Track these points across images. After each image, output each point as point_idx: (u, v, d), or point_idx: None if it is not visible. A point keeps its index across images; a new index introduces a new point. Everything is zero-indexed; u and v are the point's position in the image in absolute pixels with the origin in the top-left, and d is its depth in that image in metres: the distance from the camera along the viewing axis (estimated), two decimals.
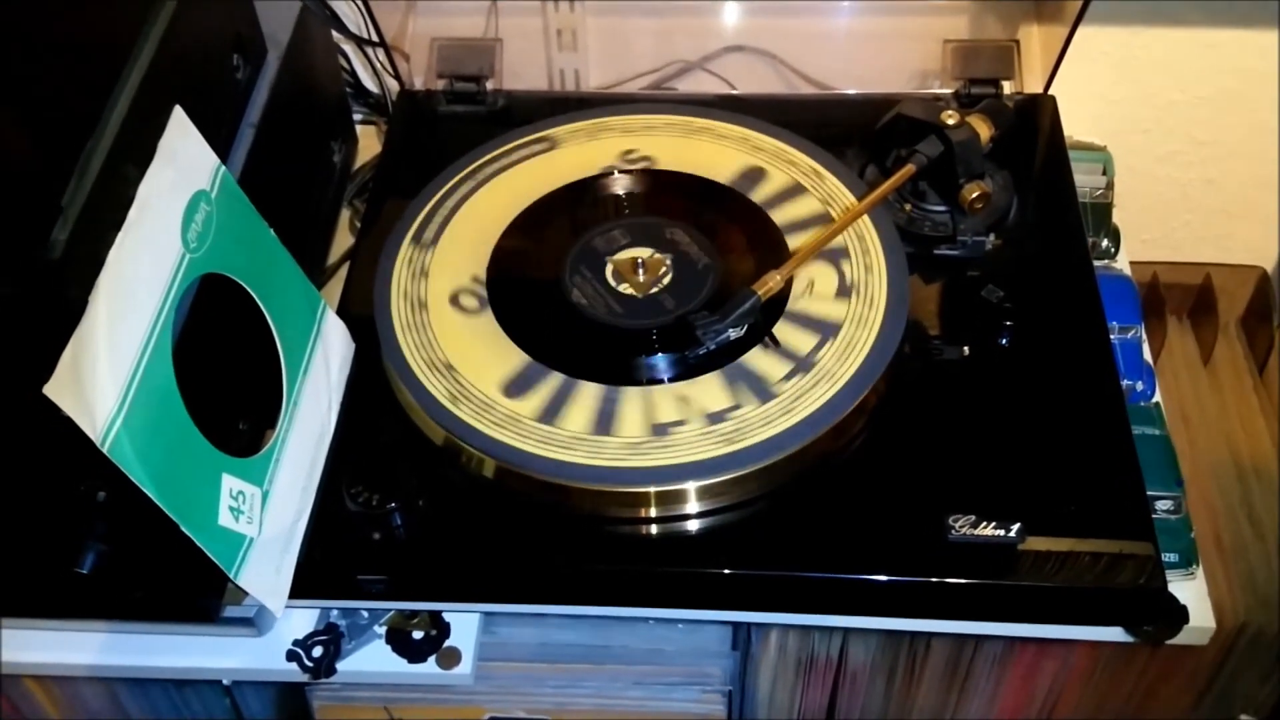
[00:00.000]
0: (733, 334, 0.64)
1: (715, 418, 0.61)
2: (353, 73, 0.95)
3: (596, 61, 0.88)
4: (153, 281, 0.52)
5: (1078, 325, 0.68)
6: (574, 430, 0.61)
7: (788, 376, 0.62)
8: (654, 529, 0.61)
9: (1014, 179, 0.74)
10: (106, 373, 0.48)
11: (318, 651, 0.68)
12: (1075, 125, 0.83)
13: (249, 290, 0.59)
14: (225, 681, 0.74)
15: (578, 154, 0.76)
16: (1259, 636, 0.76)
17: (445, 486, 0.62)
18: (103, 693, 0.76)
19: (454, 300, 0.68)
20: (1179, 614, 0.60)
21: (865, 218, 0.70)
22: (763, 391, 0.62)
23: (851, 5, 0.83)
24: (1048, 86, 0.81)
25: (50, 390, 0.46)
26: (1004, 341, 0.66)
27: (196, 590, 0.64)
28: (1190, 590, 0.66)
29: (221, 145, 0.69)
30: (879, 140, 0.75)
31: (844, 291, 0.66)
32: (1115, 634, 0.64)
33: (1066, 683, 0.78)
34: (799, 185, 0.73)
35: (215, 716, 0.79)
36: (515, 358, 0.65)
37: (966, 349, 0.66)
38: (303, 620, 0.69)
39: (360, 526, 0.60)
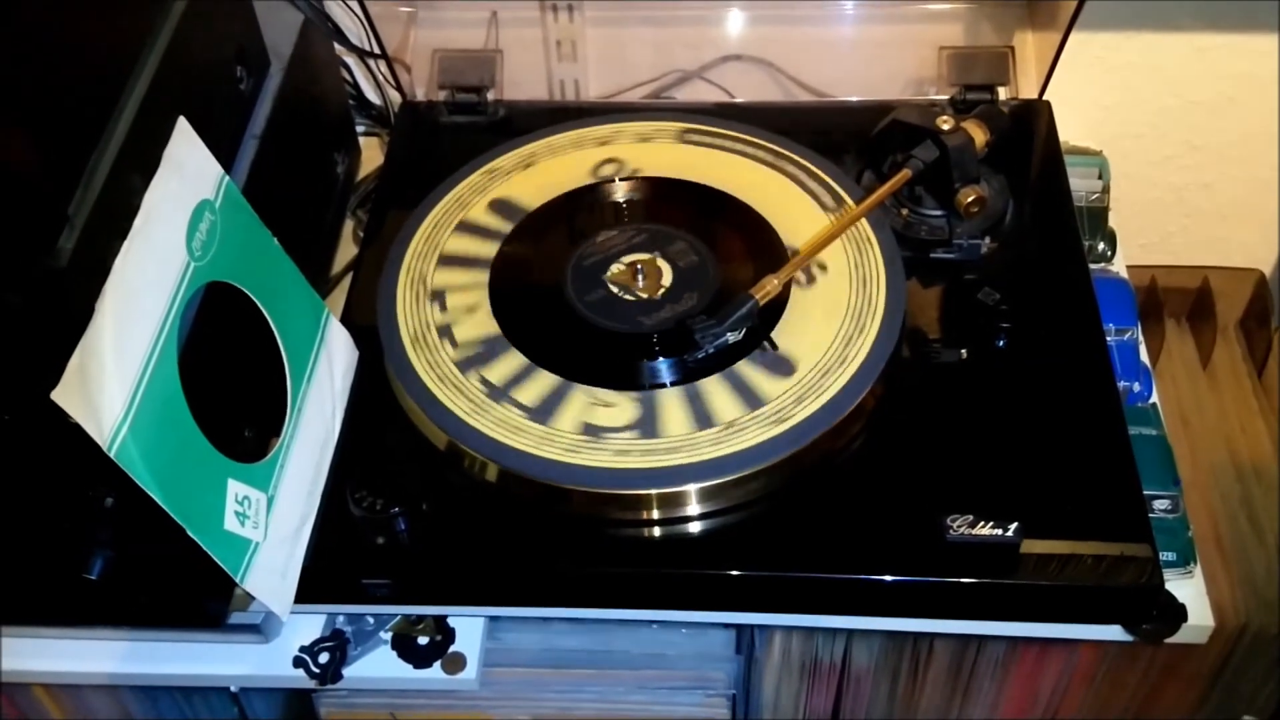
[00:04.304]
0: (730, 338, 0.64)
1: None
2: (355, 84, 0.96)
3: (596, 71, 0.88)
4: (158, 289, 0.53)
5: (1074, 327, 0.68)
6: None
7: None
8: (656, 531, 0.61)
9: (1010, 183, 0.75)
10: (113, 379, 0.49)
11: (324, 658, 0.69)
12: (1071, 131, 0.84)
13: (253, 298, 0.60)
14: (233, 688, 0.75)
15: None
16: (1260, 637, 0.76)
17: (448, 490, 0.63)
18: (110, 700, 0.77)
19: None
20: (1177, 612, 0.61)
21: (863, 222, 0.70)
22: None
23: (848, 14, 0.84)
24: (1042, 92, 0.82)
25: (58, 396, 0.46)
26: (1000, 343, 0.67)
27: (203, 596, 0.65)
28: (1189, 589, 0.66)
29: (225, 156, 0.70)
30: (875, 146, 0.75)
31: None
32: (1115, 633, 0.64)
33: (1070, 684, 0.78)
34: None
35: None
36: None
37: (964, 351, 0.67)
38: (309, 627, 0.70)
39: (365, 531, 0.61)
